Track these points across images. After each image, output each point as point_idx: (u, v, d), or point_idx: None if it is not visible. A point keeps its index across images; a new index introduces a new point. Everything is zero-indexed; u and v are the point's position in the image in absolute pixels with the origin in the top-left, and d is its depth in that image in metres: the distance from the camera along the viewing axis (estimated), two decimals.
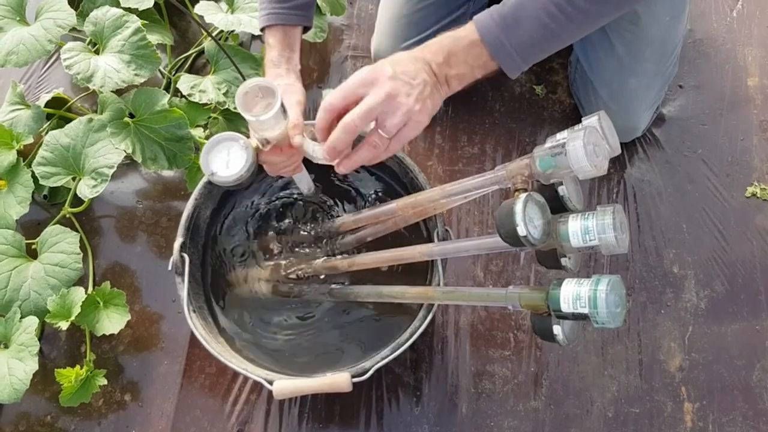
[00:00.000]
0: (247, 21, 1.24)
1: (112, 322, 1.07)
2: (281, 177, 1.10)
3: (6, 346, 1.03)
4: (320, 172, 1.11)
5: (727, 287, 1.17)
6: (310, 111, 1.36)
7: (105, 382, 1.07)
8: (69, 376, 1.02)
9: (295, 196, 1.11)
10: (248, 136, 0.84)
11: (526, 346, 1.13)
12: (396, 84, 0.73)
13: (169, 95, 1.15)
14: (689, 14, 1.21)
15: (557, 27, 0.75)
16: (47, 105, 1.25)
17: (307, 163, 0.98)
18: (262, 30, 0.94)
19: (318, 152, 0.81)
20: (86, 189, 1.10)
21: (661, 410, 1.08)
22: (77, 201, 1.17)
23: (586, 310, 0.67)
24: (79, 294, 1.04)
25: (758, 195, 1.23)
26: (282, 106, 0.77)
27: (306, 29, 0.96)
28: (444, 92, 0.80)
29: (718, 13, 1.44)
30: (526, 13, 0.74)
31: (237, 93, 0.76)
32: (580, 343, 1.13)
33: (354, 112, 0.74)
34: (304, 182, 1.02)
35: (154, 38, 1.22)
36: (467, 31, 0.77)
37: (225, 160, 0.80)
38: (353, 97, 0.75)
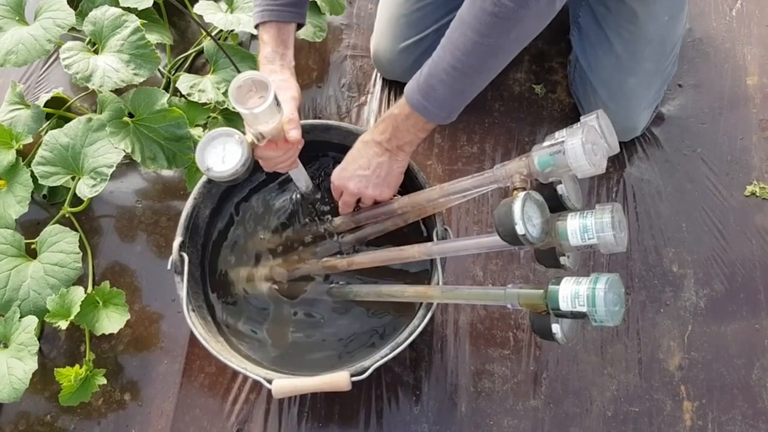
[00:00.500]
0: (246, 20, 1.24)
1: (112, 321, 1.07)
2: (280, 175, 1.10)
3: (5, 346, 1.03)
4: (319, 172, 1.11)
5: (727, 286, 1.17)
6: (308, 109, 1.36)
7: (104, 381, 1.07)
8: (68, 376, 1.02)
9: (294, 195, 1.11)
10: (245, 133, 0.84)
11: (526, 345, 1.13)
12: (356, 182, 0.94)
13: (168, 95, 1.15)
14: (688, 13, 1.22)
15: (462, 81, 0.84)
16: (47, 105, 1.25)
17: (303, 161, 0.98)
18: (256, 27, 0.95)
19: None
20: (85, 188, 1.10)
21: (660, 409, 1.08)
22: (77, 200, 1.17)
23: (584, 309, 0.67)
24: (78, 293, 1.04)
25: (757, 194, 1.23)
26: (276, 99, 0.77)
27: (299, 26, 0.97)
28: (402, 157, 0.94)
29: (718, 12, 1.44)
30: (435, 79, 0.84)
31: (230, 86, 0.76)
32: (579, 342, 1.13)
33: (340, 207, 1.00)
34: (302, 179, 1.02)
35: (153, 38, 1.22)
36: (401, 107, 0.89)
37: (221, 156, 0.80)
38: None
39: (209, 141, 0.82)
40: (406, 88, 0.88)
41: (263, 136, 0.82)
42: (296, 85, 0.91)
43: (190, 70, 1.38)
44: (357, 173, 0.94)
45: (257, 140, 0.82)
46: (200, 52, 1.38)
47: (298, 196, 1.10)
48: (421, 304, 0.92)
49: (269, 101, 0.75)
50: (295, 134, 0.84)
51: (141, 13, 1.27)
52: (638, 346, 1.12)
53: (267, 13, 0.93)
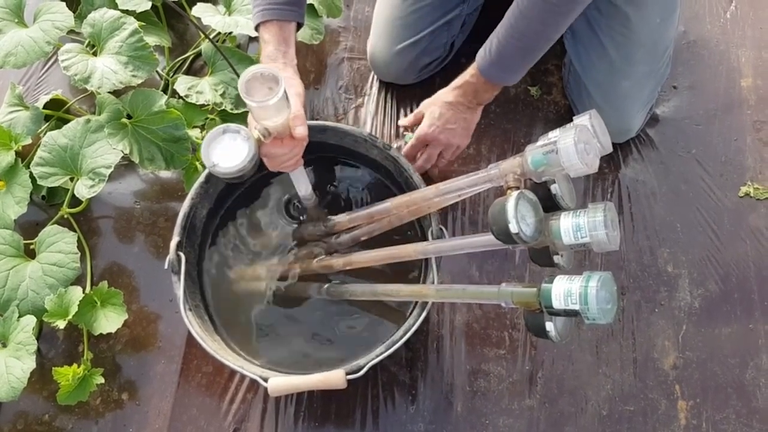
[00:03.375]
0: (244, 23, 1.25)
1: (110, 321, 1.07)
2: (277, 174, 1.11)
3: (4, 345, 1.03)
4: (318, 176, 1.12)
5: (721, 286, 1.17)
6: (306, 111, 1.37)
7: (102, 380, 1.07)
8: (66, 375, 1.03)
9: (293, 197, 1.12)
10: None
11: (521, 344, 1.13)
12: (445, 135, 1.12)
13: (166, 96, 1.16)
14: (683, 16, 1.23)
15: (534, 48, 0.98)
16: (46, 106, 1.26)
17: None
18: (256, 28, 0.95)
19: None
20: (84, 189, 1.11)
21: (655, 408, 1.08)
22: (75, 201, 1.18)
23: (577, 307, 0.68)
24: (76, 293, 1.05)
25: (751, 195, 1.24)
26: (285, 95, 0.77)
27: (299, 26, 0.98)
28: (479, 110, 1.12)
29: (712, 14, 1.45)
30: (507, 52, 0.98)
31: (240, 80, 0.75)
32: (574, 342, 1.13)
33: (421, 161, 1.17)
34: (302, 183, 1.02)
35: (151, 40, 1.22)
36: (476, 77, 1.04)
37: (226, 152, 0.79)
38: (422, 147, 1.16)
39: (215, 137, 0.80)
40: (480, 63, 1.01)
41: (269, 133, 0.81)
42: (300, 82, 0.92)
43: (188, 72, 1.39)
44: (446, 127, 1.10)
45: (263, 137, 0.81)
46: (198, 54, 1.39)
47: (296, 199, 1.10)
48: (416, 303, 0.93)
49: (281, 93, 0.74)
50: (301, 130, 0.84)
51: (139, 16, 1.28)
52: (633, 346, 1.13)
53: (268, 12, 0.93)
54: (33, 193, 1.16)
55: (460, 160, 1.30)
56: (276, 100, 0.75)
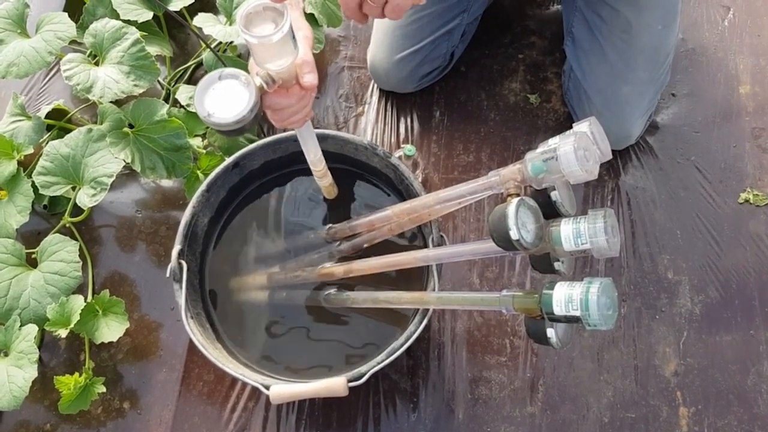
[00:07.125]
0: None
1: (111, 330, 1.08)
2: (277, 181, 1.11)
3: (6, 354, 1.03)
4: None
5: (721, 293, 1.17)
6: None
7: (104, 389, 1.07)
8: (68, 384, 1.03)
9: (292, 203, 1.12)
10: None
11: (522, 351, 1.13)
12: None
13: (168, 105, 1.16)
14: (681, 24, 1.23)
15: None
16: (48, 116, 1.26)
17: (298, 170, 0.98)
18: None
19: None
20: (85, 198, 1.11)
21: (656, 415, 1.08)
22: (77, 210, 1.18)
23: (578, 313, 0.68)
24: (78, 302, 1.05)
25: (751, 201, 1.25)
26: (291, 32, 0.68)
27: None
28: None
29: (710, 22, 1.46)
30: None
31: (239, 13, 0.68)
32: (575, 349, 1.14)
33: None
34: (311, 143, 0.91)
35: (153, 50, 1.23)
36: None
37: (223, 101, 0.71)
38: None
39: (210, 84, 0.71)
40: None
41: (273, 80, 0.72)
42: (308, 25, 0.80)
43: (189, 82, 1.40)
44: None
45: (266, 85, 0.72)
46: (200, 63, 1.40)
47: (297, 204, 1.11)
48: (417, 310, 0.93)
49: (286, 28, 0.66)
50: (310, 78, 0.75)
51: (141, 26, 1.28)
52: (634, 353, 1.13)
53: None
54: (35, 203, 1.16)
55: (460, 168, 1.30)
56: (280, 37, 0.66)
